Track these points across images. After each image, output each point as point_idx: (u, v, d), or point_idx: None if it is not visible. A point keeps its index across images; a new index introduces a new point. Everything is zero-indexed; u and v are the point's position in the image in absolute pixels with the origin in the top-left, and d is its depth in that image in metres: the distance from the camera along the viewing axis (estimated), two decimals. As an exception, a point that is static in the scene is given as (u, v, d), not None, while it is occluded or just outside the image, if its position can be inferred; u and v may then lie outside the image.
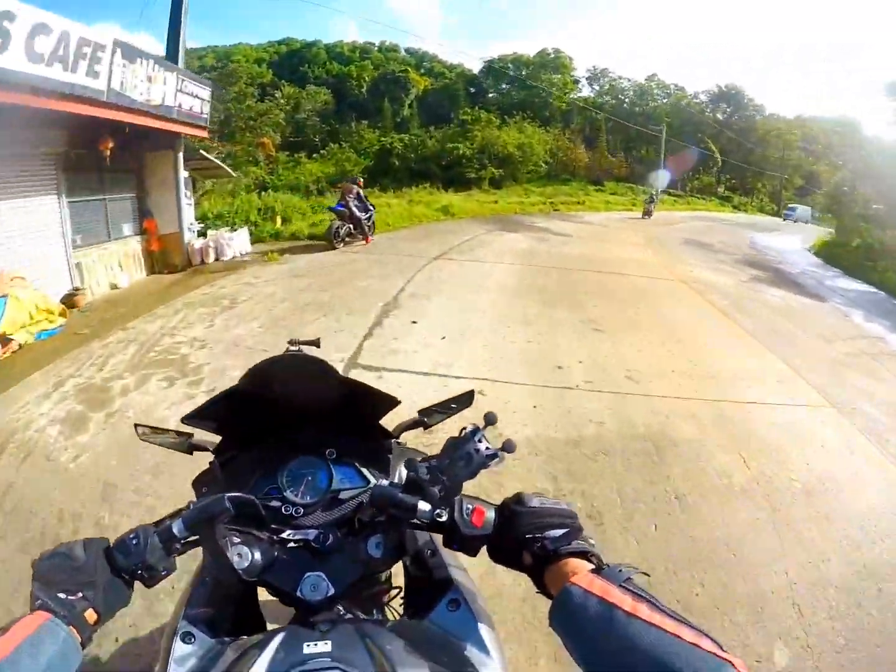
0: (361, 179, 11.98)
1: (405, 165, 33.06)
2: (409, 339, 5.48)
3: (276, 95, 37.11)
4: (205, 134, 9.30)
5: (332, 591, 0.74)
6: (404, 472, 0.80)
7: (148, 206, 8.66)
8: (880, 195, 18.61)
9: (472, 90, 47.48)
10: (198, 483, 0.93)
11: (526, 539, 0.70)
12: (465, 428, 0.81)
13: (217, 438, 0.98)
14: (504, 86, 48.90)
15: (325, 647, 0.62)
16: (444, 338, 5.56)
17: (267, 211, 13.03)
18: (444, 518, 0.73)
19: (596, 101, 47.06)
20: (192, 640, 0.71)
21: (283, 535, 0.79)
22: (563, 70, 48.18)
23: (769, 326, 7.26)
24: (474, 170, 31.29)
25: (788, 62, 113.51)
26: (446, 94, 45.59)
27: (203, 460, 0.98)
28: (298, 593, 0.74)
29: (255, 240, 11.17)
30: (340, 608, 0.77)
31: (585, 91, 50.62)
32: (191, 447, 1.01)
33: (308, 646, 0.62)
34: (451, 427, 0.99)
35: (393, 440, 0.99)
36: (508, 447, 0.78)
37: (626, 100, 49.43)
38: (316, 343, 1.26)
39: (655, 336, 6.14)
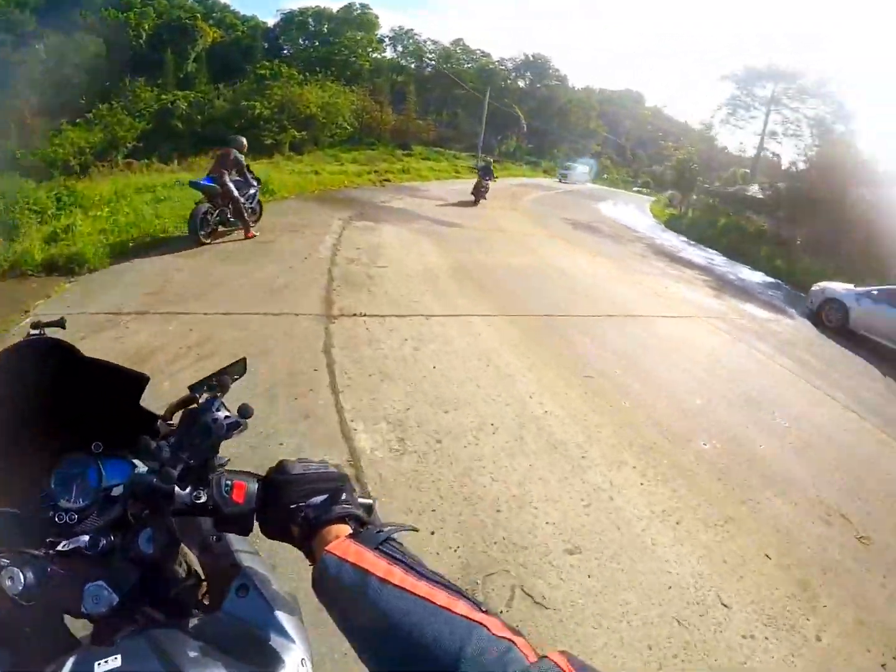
0: (244, 141, 8.07)
1: (190, 129, 27.40)
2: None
3: (38, 47, 28.74)
4: None
5: (116, 600, 0.65)
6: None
7: None
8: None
9: (267, 45, 41.98)
10: None
11: (291, 510, 0.66)
12: (198, 397, 0.78)
13: None
14: (303, 41, 44.42)
15: (115, 662, 0.56)
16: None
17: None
18: (203, 499, 0.68)
19: (398, 62, 45.24)
20: None
21: (59, 548, 0.67)
22: (369, 27, 45.03)
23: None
24: (272, 134, 26.77)
25: (587, 38, 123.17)
26: (238, 48, 39.63)
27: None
28: (83, 608, 0.65)
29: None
30: (138, 616, 0.68)
31: (389, 52, 48.54)
32: None
33: (99, 664, 0.55)
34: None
35: (163, 420, 0.86)
36: (245, 412, 0.76)
37: (432, 62, 48.45)
38: (61, 323, 1.11)
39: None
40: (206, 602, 0.84)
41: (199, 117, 28.07)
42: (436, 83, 43.11)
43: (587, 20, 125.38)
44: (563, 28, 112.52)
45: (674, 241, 17.07)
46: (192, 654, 0.59)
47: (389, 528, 0.62)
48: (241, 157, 7.73)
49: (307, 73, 32.84)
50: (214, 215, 7.19)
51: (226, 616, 0.70)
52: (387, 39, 47.86)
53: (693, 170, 26.47)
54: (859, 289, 8.97)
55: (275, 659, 0.65)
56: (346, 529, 0.63)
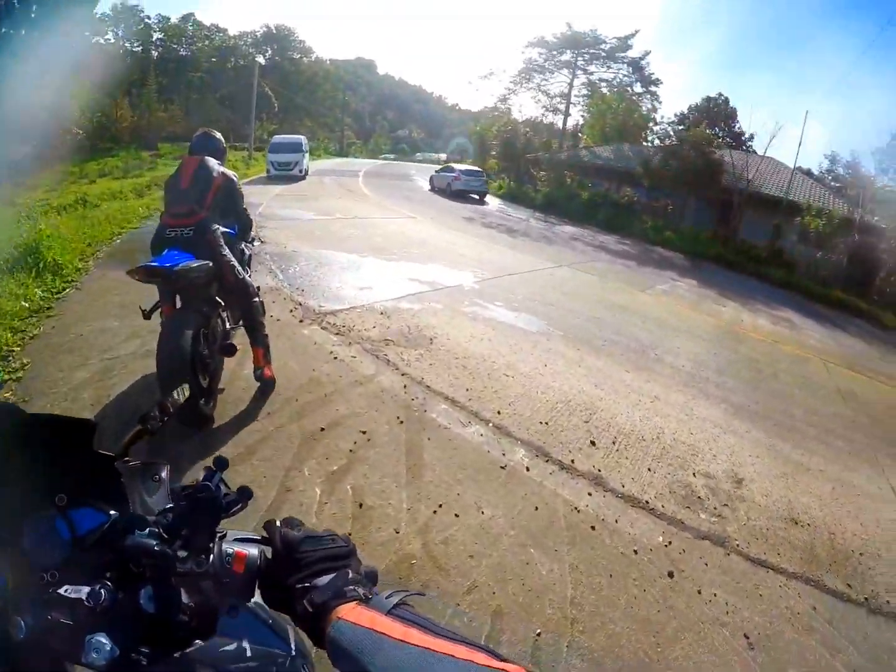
0: (220, 137, 3.80)
1: None
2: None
3: None
4: None
5: (117, 653, 0.63)
6: (146, 497, 0.78)
7: None
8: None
9: None
10: None
11: (296, 589, 0.65)
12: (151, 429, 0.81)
13: None
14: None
15: None
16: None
17: None
18: (205, 568, 0.68)
19: (122, 45, 37.41)
20: None
21: (59, 593, 0.65)
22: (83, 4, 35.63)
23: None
24: None
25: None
26: None
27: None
28: (82, 659, 0.63)
29: None
30: (143, 659, 0.65)
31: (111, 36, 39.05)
32: None
33: None
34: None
35: (119, 459, 0.80)
36: (247, 493, 0.76)
37: (162, 44, 41.32)
38: None
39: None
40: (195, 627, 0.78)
41: None
42: (167, 67, 36.82)
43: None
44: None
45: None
46: None
47: (398, 593, 0.62)
48: (226, 171, 3.55)
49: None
50: (206, 339, 3.15)
51: (222, 639, 0.70)
52: (107, 20, 38.55)
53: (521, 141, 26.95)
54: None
55: (279, 668, 0.69)
56: (346, 605, 0.61)
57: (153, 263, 2.93)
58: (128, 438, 0.87)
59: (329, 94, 51.78)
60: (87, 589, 0.66)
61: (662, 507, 3.19)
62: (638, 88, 31.29)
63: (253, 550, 0.71)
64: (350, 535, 0.74)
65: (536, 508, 2.94)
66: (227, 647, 0.70)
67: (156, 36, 41.75)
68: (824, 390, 6.70)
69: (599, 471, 3.42)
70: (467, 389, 4.15)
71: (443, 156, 51.49)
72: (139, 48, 39.53)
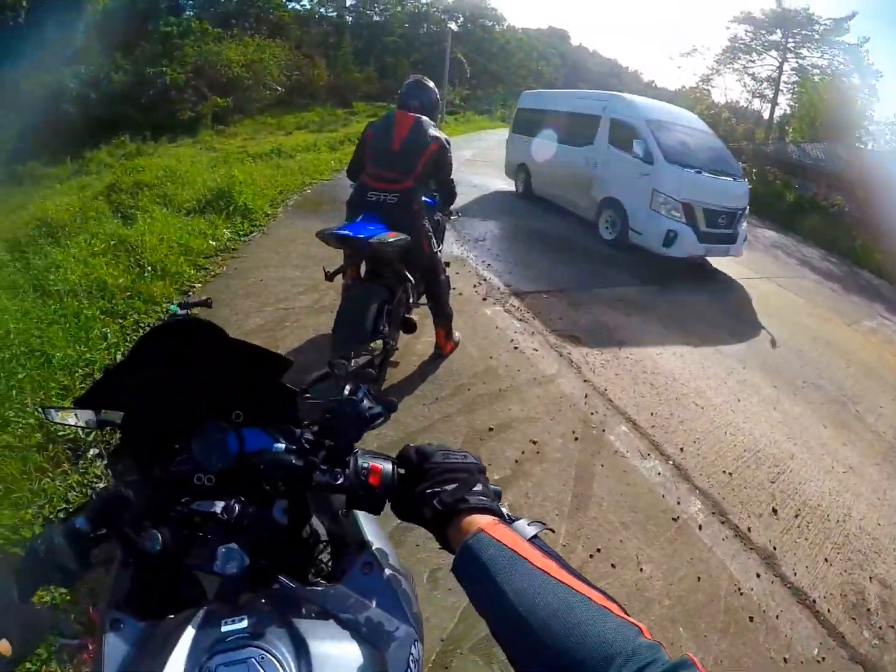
0: (433, 88, 3.19)
1: (84, 113, 20.29)
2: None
3: None
4: None
5: (247, 562, 0.67)
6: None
7: None
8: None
9: (167, 5, 35.70)
10: (113, 458, 0.83)
11: (425, 495, 0.66)
12: (345, 388, 0.80)
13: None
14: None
15: (241, 623, 0.61)
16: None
17: None
18: (340, 481, 0.70)
19: (317, 11, 39.82)
20: (121, 626, 0.65)
21: (193, 507, 0.70)
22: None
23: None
24: (189, 105, 21.40)
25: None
26: (135, 11, 33.79)
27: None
28: (215, 568, 0.66)
29: None
30: (265, 579, 0.70)
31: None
32: (100, 423, 0.84)
33: (226, 623, 0.61)
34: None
35: (301, 395, 0.85)
36: (391, 406, 0.79)
37: (355, 9, 43.34)
38: (207, 303, 1.24)
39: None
40: (330, 571, 0.84)
41: (93, 96, 21.73)
42: (362, 32, 38.61)
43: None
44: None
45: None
46: (314, 623, 0.64)
47: (536, 523, 0.61)
48: (441, 136, 3.03)
49: (219, 30, 27.25)
50: (389, 315, 2.86)
51: (348, 590, 0.71)
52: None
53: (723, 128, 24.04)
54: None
55: (389, 638, 0.67)
56: (486, 519, 0.61)
57: (346, 232, 2.62)
58: (314, 377, 0.94)
59: (522, 63, 50.96)
60: (221, 504, 0.70)
61: (829, 611, 2.50)
62: (856, 80, 25.84)
63: (387, 465, 0.72)
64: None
65: (699, 579, 2.42)
66: (350, 600, 0.69)
67: (349, 1, 43.77)
68: None
69: (775, 549, 2.75)
70: (652, 414, 3.55)
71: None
72: (333, 13, 41.75)
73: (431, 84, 3.20)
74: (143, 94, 22.29)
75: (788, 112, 29.22)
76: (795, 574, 2.64)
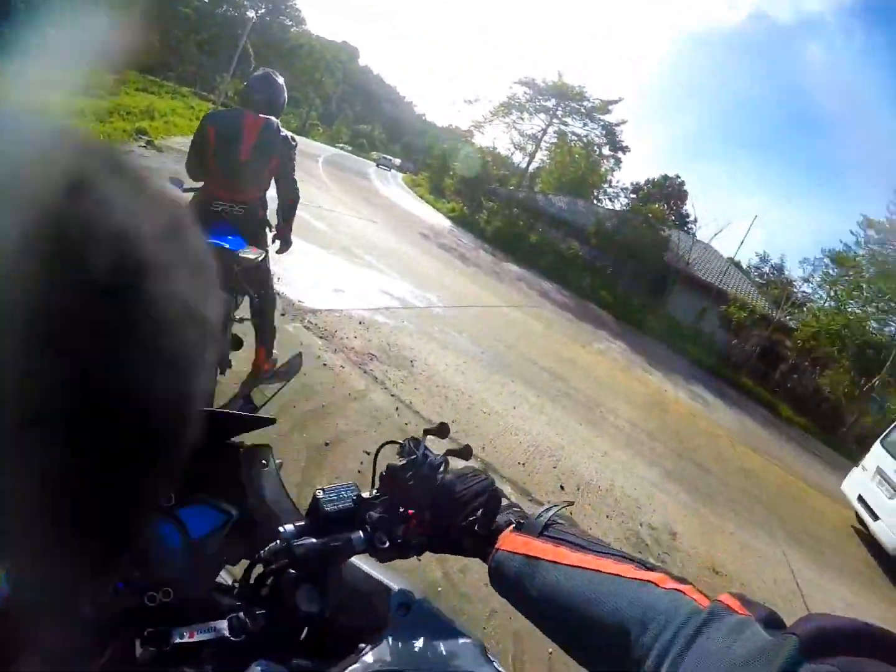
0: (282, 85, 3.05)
1: None
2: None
3: None
4: None
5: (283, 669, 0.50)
6: (262, 482, 0.66)
7: None
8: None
9: None
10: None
11: (461, 528, 0.66)
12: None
13: None
14: None
15: None
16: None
17: None
18: (386, 544, 0.63)
19: None
20: None
21: (179, 641, 0.49)
22: None
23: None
24: None
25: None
26: None
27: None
28: None
29: None
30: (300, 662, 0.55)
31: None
32: None
33: None
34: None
35: (234, 447, 0.67)
36: (465, 453, 0.75)
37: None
38: None
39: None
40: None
41: None
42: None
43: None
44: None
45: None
46: None
47: (548, 510, 0.64)
48: (289, 138, 3.03)
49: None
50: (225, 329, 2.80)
51: (398, 638, 0.59)
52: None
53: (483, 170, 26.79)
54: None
55: (465, 658, 0.61)
56: (504, 534, 0.64)
57: (214, 241, 2.47)
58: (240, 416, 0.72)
59: (306, 70, 50.50)
60: (223, 623, 0.53)
61: (622, 550, 3.62)
62: (606, 151, 32.93)
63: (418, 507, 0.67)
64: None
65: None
66: (406, 648, 0.57)
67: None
68: (732, 467, 7.66)
69: (571, 514, 3.76)
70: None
71: (397, 160, 54.26)
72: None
73: (281, 80, 3.04)
74: None
75: (540, 165, 35.12)
76: (590, 530, 3.51)
